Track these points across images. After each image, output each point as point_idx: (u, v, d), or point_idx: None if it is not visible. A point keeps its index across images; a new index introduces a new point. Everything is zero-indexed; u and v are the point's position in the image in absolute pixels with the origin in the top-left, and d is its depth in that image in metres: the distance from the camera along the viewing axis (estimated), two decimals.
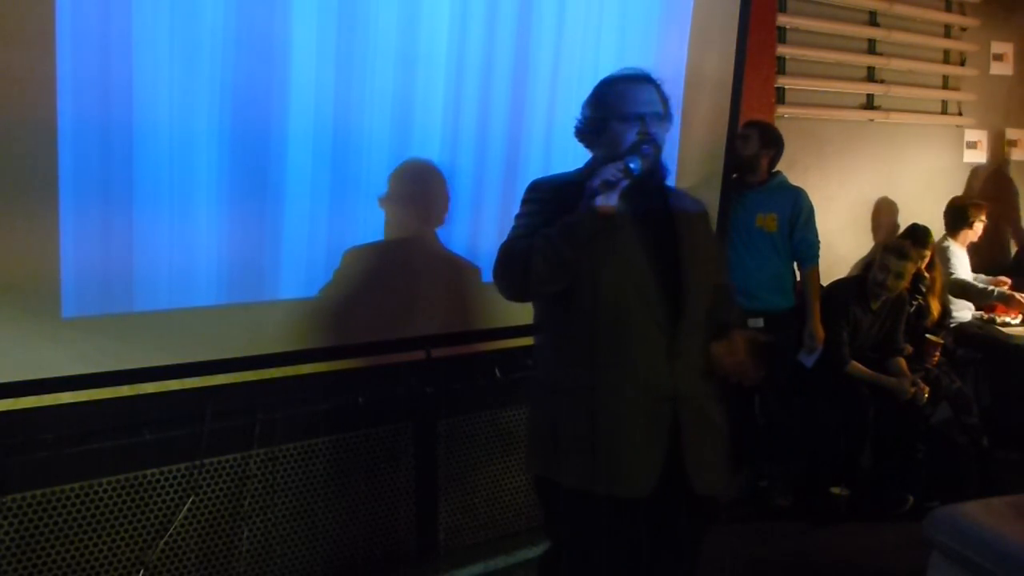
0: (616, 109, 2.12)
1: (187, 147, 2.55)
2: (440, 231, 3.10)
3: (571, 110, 2.26)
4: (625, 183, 1.95)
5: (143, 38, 2.42)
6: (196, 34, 2.51)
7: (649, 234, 2.11)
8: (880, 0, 4.86)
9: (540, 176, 2.26)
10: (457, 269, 3.16)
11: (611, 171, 1.94)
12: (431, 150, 3.01)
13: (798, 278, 3.98)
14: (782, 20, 4.45)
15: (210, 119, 2.57)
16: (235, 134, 2.62)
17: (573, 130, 2.23)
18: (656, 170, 2.09)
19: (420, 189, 3.02)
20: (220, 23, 2.54)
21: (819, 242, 3.91)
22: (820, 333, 3.87)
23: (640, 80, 2.16)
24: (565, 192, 2.07)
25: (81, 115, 2.36)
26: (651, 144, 2.06)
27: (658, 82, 2.18)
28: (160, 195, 2.53)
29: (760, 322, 3.80)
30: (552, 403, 2.13)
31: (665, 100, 2.16)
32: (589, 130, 2.19)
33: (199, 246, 2.62)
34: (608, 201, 1.93)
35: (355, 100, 2.81)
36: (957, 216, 4.94)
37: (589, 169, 2.14)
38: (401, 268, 3.03)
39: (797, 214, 3.85)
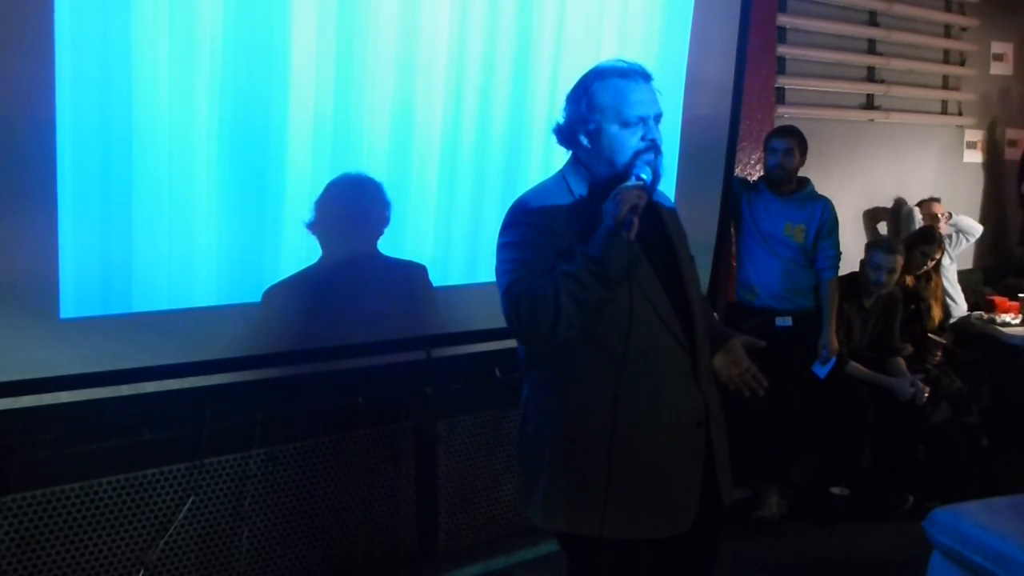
0: (616, 111, 1.87)
1: (186, 148, 2.55)
2: (439, 232, 3.09)
3: None
4: (644, 202, 1.76)
5: (142, 39, 2.42)
6: (195, 35, 2.50)
7: (652, 249, 1.91)
8: (880, 0, 4.86)
9: (523, 194, 1.99)
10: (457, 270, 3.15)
11: (633, 193, 1.74)
12: (431, 151, 3.00)
13: None
14: (782, 20, 4.45)
15: (209, 120, 2.57)
16: (234, 135, 2.62)
17: (553, 126, 1.97)
18: (657, 179, 1.90)
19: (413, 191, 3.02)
20: (219, 25, 2.53)
21: (840, 254, 3.87)
22: (835, 344, 3.84)
23: (638, 75, 1.92)
24: (560, 213, 1.87)
25: (80, 115, 2.36)
26: (656, 151, 1.87)
27: (651, 76, 1.94)
28: (159, 195, 2.53)
29: (788, 320, 3.80)
30: (577, 451, 1.89)
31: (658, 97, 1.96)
32: (578, 130, 1.92)
33: (198, 246, 2.62)
34: (634, 225, 1.72)
35: (355, 100, 2.81)
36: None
37: (565, 175, 1.95)
38: (400, 268, 3.02)
39: (822, 225, 3.82)
